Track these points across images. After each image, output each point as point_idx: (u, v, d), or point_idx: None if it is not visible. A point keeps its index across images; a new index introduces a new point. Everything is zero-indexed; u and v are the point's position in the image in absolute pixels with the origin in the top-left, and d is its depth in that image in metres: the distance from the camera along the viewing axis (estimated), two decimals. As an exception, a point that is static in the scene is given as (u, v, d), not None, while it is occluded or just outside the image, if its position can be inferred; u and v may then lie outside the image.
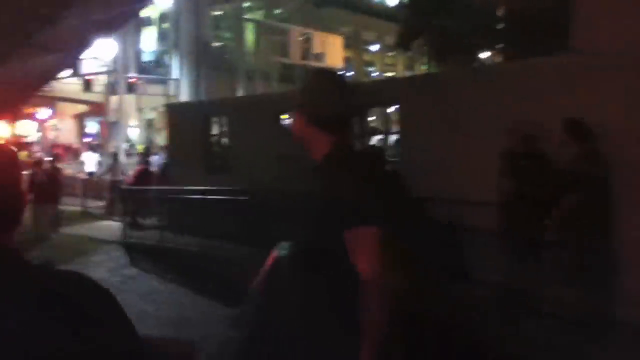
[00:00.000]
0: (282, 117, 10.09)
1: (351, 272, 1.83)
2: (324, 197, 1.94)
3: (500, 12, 13.24)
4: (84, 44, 3.93)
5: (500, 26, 13.23)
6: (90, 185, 15.90)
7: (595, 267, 5.12)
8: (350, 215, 1.85)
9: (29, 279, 1.05)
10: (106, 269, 9.09)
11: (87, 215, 14.25)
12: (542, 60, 6.80)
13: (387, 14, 34.06)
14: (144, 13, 24.56)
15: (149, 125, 26.66)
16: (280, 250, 3.24)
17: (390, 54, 36.67)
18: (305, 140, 2.11)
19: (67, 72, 20.72)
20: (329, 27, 30.38)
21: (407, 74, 34.62)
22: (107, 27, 3.73)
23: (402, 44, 15.96)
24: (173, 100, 25.36)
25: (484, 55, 16.88)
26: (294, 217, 2.34)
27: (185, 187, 10.38)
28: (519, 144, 5.75)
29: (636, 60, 5.34)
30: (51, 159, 12.62)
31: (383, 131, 10.27)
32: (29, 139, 26.99)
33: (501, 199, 5.79)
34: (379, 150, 7.69)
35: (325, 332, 1.93)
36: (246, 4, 26.28)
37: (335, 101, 2.07)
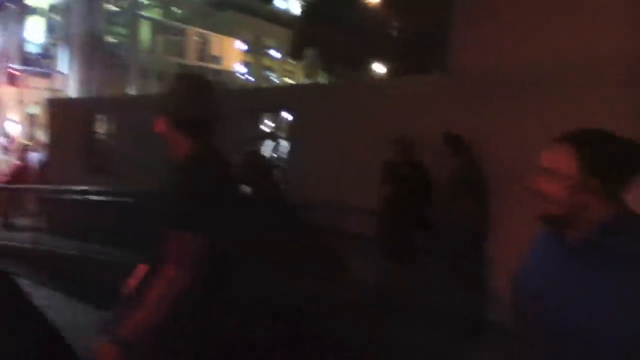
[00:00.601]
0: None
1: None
2: (165, 197, 2.02)
3: (387, 30, 13.88)
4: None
5: (386, 42, 13.87)
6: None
7: (475, 271, 5.39)
8: (174, 218, 1.93)
9: None
10: (-30, 273, 8.42)
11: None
12: (419, 78, 7.24)
13: (288, 21, 34.43)
14: (30, 1, 23.10)
15: (31, 120, 24.98)
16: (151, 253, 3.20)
17: (291, 61, 37.07)
18: (169, 142, 2.15)
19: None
20: (228, 31, 30.17)
21: (307, 81, 35.21)
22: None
23: (294, 52, 16.28)
24: (61, 95, 23.99)
25: (378, 67, 17.61)
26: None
27: (64, 187, 9.88)
28: (398, 154, 6.07)
29: (498, 81, 5.83)
30: None
31: (275, 137, 10.38)
32: None
33: (381, 206, 6.08)
34: (259, 157, 7.77)
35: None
36: (142, 1, 25.48)
37: (196, 105, 2.09)
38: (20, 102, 23.77)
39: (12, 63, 23.59)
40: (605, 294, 1.41)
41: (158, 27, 24.83)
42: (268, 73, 38.67)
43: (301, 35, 14.69)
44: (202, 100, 2.12)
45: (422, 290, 5.68)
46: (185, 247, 1.90)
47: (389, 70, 14.34)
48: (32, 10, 25.59)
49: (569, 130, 1.54)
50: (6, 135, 20.67)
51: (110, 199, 8.95)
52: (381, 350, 4.78)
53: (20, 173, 12.05)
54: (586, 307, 1.43)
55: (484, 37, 6.10)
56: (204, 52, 25.88)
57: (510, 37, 5.86)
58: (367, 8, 13.66)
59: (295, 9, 41.88)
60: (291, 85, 21.56)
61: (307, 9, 15.49)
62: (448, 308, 5.39)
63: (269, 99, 9.15)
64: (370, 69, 16.24)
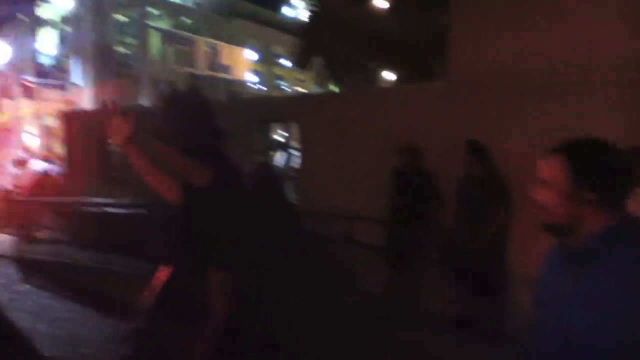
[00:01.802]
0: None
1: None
2: (199, 229, 1.97)
3: (392, 38, 14.02)
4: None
5: (391, 51, 14.00)
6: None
7: (495, 281, 5.40)
8: (213, 255, 1.89)
9: None
10: (-6, 285, 8.69)
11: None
12: (422, 85, 7.42)
13: (297, 29, 34.63)
14: (42, 13, 23.48)
15: (47, 132, 25.38)
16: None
17: (299, 68, 37.29)
18: (183, 170, 2.07)
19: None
20: (238, 40, 30.44)
21: (317, 90, 35.42)
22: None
23: (300, 61, 16.42)
24: (74, 106, 24.36)
25: (386, 75, 17.74)
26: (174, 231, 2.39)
27: (82, 200, 10.12)
28: (405, 162, 6.21)
29: (496, 87, 6.00)
30: None
31: (287, 146, 10.56)
32: None
33: (388, 214, 6.23)
34: (269, 169, 7.91)
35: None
36: (152, 11, 25.84)
37: (204, 129, 1.98)
38: (36, 114, 24.19)
39: (26, 75, 23.99)
40: (599, 303, 1.42)
41: (168, 37, 25.17)
42: (279, 82, 38.91)
43: (307, 43, 14.87)
44: (211, 123, 2.01)
45: (430, 299, 5.82)
46: (228, 284, 1.88)
47: (397, 79, 14.51)
48: (44, 23, 25.98)
49: (563, 140, 1.57)
50: (23, 148, 21.01)
51: (126, 210, 9.17)
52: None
53: (38, 185, 12.28)
54: (582, 316, 1.45)
55: (481, 44, 6.27)
56: (213, 61, 26.14)
57: (507, 44, 6.03)
58: (372, 16, 13.85)
59: (304, 17, 42.20)
60: (300, 94, 21.66)
61: (313, 17, 15.67)
62: (458, 316, 5.53)
63: (278, 108, 9.35)
64: (377, 77, 16.40)
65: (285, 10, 44.05)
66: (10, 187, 13.77)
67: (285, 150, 10.39)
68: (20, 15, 21.79)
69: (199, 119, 1.98)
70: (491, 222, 5.26)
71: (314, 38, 14.31)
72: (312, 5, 22.41)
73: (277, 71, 38.88)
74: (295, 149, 9.82)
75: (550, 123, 5.47)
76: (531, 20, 5.88)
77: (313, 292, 5.96)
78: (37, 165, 14.37)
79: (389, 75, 16.47)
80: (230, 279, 1.88)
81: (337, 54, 13.52)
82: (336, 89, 17.10)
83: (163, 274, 2.41)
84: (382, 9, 14.63)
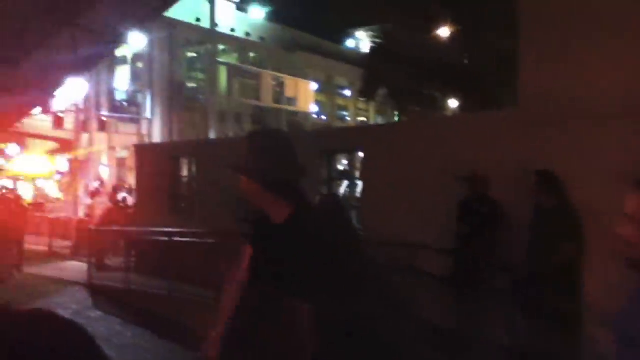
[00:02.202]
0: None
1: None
2: (285, 263, 1.98)
3: (457, 67, 13.91)
4: (52, 85, 4.09)
5: (456, 79, 13.88)
6: (57, 225, 15.79)
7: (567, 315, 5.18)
8: (299, 290, 1.89)
9: None
10: (69, 311, 9.03)
11: (52, 255, 14.11)
12: (490, 113, 7.25)
13: (358, 60, 35.05)
14: (117, 52, 24.81)
15: (121, 164, 26.61)
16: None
17: (363, 98, 37.63)
18: (263, 204, 2.10)
19: (36, 110, 20.74)
20: (301, 72, 31.08)
21: (379, 119, 35.53)
22: (76, 69, 3.90)
23: (365, 93, 16.52)
24: (145, 140, 25.48)
25: (449, 104, 17.59)
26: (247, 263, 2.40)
27: (152, 229, 10.44)
28: (471, 191, 6.08)
29: (568, 114, 5.78)
30: (18, 196, 12.58)
31: (351, 176, 10.53)
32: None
33: (454, 243, 6.09)
34: (336, 200, 7.91)
35: None
36: (220, 47, 26.82)
37: (285, 167, 2.05)
38: (110, 147, 25.42)
39: (102, 110, 25.34)
40: None
41: (234, 71, 25.98)
42: (341, 112, 39.34)
43: (371, 75, 14.98)
44: (293, 159, 2.08)
45: (496, 330, 5.60)
46: (313, 318, 1.88)
47: (460, 107, 14.33)
48: (120, 60, 27.46)
49: None
50: (98, 179, 22.07)
51: (193, 239, 9.39)
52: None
53: (111, 215, 12.81)
54: None
55: (551, 70, 6.09)
56: (278, 93, 26.75)
57: (578, 69, 5.83)
58: (436, 46, 13.82)
59: (365, 47, 42.66)
60: (364, 125, 21.78)
61: (377, 49, 15.81)
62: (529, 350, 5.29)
63: (342, 139, 9.40)
64: (442, 106, 16.27)
65: (348, 42, 44.73)
66: (84, 216, 14.45)
67: (348, 180, 10.39)
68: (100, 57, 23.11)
69: (283, 157, 2.07)
70: (562, 255, 5.03)
71: (378, 69, 14.41)
72: (375, 37, 22.68)
73: (339, 101, 39.33)
74: (358, 178, 9.79)
75: (625, 151, 5.22)
76: (602, 45, 5.68)
77: (379, 322, 5.85)
78: (110, 196, 15.03)
79: (452, 103, 16.33)
80: (316, 312, 1.89)
81: (401, 83, 13.54)
82: (398, 118, 17.08)
83: (230, 303, 2.43)
84: (445, 37, 14.59)
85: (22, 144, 29.74)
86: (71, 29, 3.52)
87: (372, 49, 17.92)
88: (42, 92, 4.27)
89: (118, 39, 4.19)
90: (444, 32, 14.55)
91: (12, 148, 26.29)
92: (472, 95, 11.49)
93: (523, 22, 6.53)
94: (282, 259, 1.98)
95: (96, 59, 5.14)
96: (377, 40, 16.90)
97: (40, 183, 20.64)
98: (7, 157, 30.62)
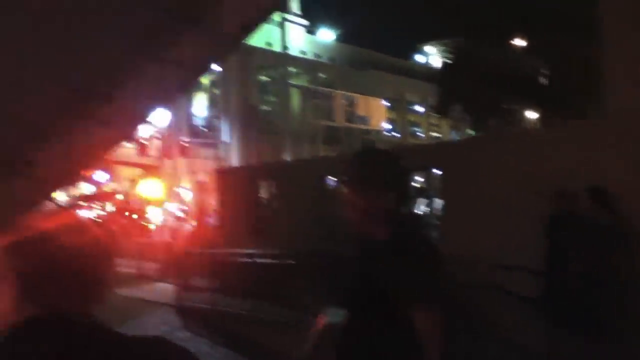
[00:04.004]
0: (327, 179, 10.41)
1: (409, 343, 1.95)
2: (392, 278, 2.01)
3: (536, 78, 13.48)
4: (141, 116, 4.34)
5: (535, 91, 13.42)
6: (146, 247, 16.52)
7: None
8: (418, 300, 1.95)
9: (115, 352, 1.15)
10: (160, 332, 9.39)
11: (142, 277, 14.73)
12: (574, 124, 6.97)
13: (430, 75, 34.75)
14: (196, 81, 25.81)
15: (201, 187, 27.56)
16: (330, 315, 3.37)
17: (435, 115, 37.14)
18: (365, 222, 2.13)
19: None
20: (372, 90, 31.17)
21: (453, 134, 34.94)
22: (163, 100, 4.14)
23: (440, 110, 16.24)
24: (223, 163, 26.31)
25: (527, 117, 17.01)
26: (341, 281, 2.45)
27: (234, 250, 10.71)
28: (559, 207, 5.85)
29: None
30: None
31: (428, 193, 10.41)
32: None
33: (545, 263, 5.85)
34: (418, 217, 7.86)
35: None
36: (291, 70, 27.41)
37: (399, 187, 2.14)
38: (191, 171, 26.43)
39: (183, 136, 26.43)
40: None
41: (306, 93, 26.43)
42: (413, 128, 39.00)
43: (447, 91, 14.76)
44: (403, 178, 2.22)
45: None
46: (439, 322, 1.95)
47: (539, 119, 13.86)
48: (197, 87, 28.60)
49: None
50: (181, 203, 22.94)
51: (275, 260, 9.56)
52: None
53: (194, 237, 13.27)
54: None
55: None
56: (350, 113, 26.95)
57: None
58: (512, 57, 13.48)
59: (436, 62, 42.23)
60: (441, 141, 21.48)
61: (451, 64, 15.59)
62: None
63: (420, 156, 9.31)
64: (520, 119, 15.78)
65: (418, 58, 44.49)
66: (170, 239, 15.06)
67: (426, 197, 10.26)
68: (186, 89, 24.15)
69: (394, 175, 2.14)
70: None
71: (452, 85, 14.21)
72: (446, 51, 22.43)
73: (411, 117, 39.01)
74: (436, 196, 9.66)
75: None
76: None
77: (461, 342, 5.70)
78: (194, 219, 15.59)
79: (530, 117, 15.83)
80: (440, 316, 1.95)
81: (477, 98, 13.26)
82: (473, 133, 16.72)
83: (321, 323, 2.45)
84: (521, 47, 14.22)
85: (109, 171, 31.52)
86: (159, 63, 3.73)
87: (445, 64, 17.69)
88: (133, 123, 4.54)
89: (204, 71, 4.41)
90: (520, 42, 14.19)
91: (99, 174, 27.90)
92: (552, 107, 11.08)
93: (606, 25, 6.27)
94: (393, 274, 2.01)
95: (182, 90, 5.40)
96: (450, 55, 16.66)
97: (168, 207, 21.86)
98: (96, 184, 32.49)
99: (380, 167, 2.13)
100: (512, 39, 13.98)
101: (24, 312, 1.15)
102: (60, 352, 1.11)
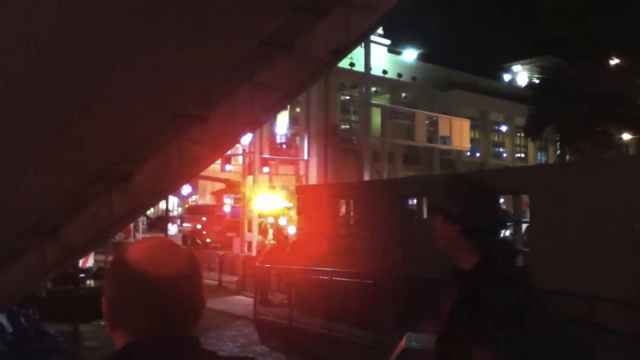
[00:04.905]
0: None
1: None
2: (472, 309, 1.98)
3: (634, 100, 12.71)
4: (233, 138, 4.51)
5: (633, 114, 12.63)
6: (226, 261, 16.97)
7: None
8: (484, 336, 1.89)
9: None
10: (238, 344, 9.59)
11: (222, 289, 15.15)
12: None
13: (515, 94, 33.76)
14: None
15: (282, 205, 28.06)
16: (407, 340, 3.32)
17: (520, 134, 35.99)
18: (453, 248, 2.13)
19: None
20: (454, 109, 30.67)
21: (539, 155, 33.64)
22: (254, 122, 4.28)
23: (532, 132, 15.57)
24: (302, 180, 26.67)
25: (626, 138, 16.04)
26: (423, 306, 2.42)
27: (312, 267, 10.77)
28: None
29: None
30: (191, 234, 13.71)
31: (514, 219, 10.05)
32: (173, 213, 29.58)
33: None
34: (507, 245, 7.57)
35: None
36: (372, 89, 27.50)
37: (489, 214, 2.12)
38: (271, 187, 27.00)
39: (265, 153, 27.08)
40: None
41: (387, 112, 26.36)
42: (496, 149, 37.97)
43: (539, 113, 14.14)
44: (494, 208, 2.19)
45: None
46: None
47: (637, 144, 13.03)
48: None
49: None
50: (262, 218, 23.42)
51: (352, 279, 9.53)
52: None
53: (276, 253, 13.48)
54: None
55: None
56: (432, 133, 26.60)
57: None
58: (608, 76, 12.80)
59: (522, 81, 40.95)
60: (530, 166, 20.60)
61: (543, 84, 14.97)
62: None
63: (506, 180, 9.02)
64: (617, 142, 14.91)
65: (504, 76, 43.39)
66: (251, 253, 15.39)
67: (513, 222, 9.91)
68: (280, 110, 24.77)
69: (487, 207, 2.13)
70: None
71: (544, 105, 13.62)
72: (535, 70, 21.66)
73: (494, 137, 37.99)
74: (524, 221, 9.30)
75: None
76: None
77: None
78: (275, 234, 15.88)
79: (627, 139, 14.93)
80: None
81: (571, 120, 12.63)
82: (567, 157, 15.92)
83: (400, 348, 2.40)
84: (618, 66, 13.49)
85: (193, 185, 32.76)
86: (250, 86, 3.86)
87: (536, 83, 16.99)
88: (224, 143, 4.70)
89: (294, 95, 4.51)
90: (616, 60, 13.47)
91: (185, 188, 29.07)
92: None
93: None
94: (470, 305, 1.98)
95: (272, 113, 5.52)
96: (541, 75, 16.03)
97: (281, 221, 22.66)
98: (181, 197, 33.78)
99: (466, 198, 2.12)
100: (607, 57, 13.28)
101: (119, 339, 1.15)
102: None
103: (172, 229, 24.25)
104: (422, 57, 37.30)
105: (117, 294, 1.16)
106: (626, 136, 15.53)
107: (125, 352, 1.13)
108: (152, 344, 1.13)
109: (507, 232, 11.58)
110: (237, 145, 24.71)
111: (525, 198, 8.95)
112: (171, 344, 1.13)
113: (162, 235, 19.25)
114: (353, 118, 33.05)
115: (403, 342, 3.27)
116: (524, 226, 9.17)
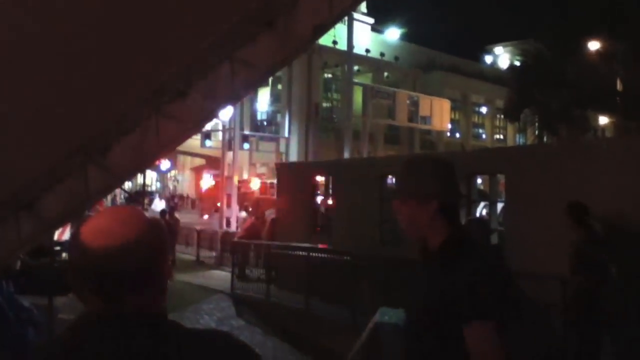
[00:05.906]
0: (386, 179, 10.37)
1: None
2: (443, 288, 1.93)
3: (612, 84, 12.87)
4: (211, 112, 4.45)
5: (611, 98, 12.80)
6: (204, 236, 16.96)
7: None
8: (468, 309, 1.82)
9: (174, 348, 1.08)
10: (215, 318, 9.66)
11: (199, 264, 15.19)
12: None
13: (496, 77, 33.96)
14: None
15: (261, 181, 28.02)
16: (381, 315, 3.37)
17: (500, 116, 36.32)
18: (418, 228, 2.08)
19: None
20: (436, 91, 30.75)
21: (518, 137, 33.98)
22: (232, 98, 4.24)
23: (511, 114, 15.72)
24: (283, 158, 26.64)
25: (602, 122, 16.30)
26: (399, 285, 2.40)
27: (290, 244, 10.83)
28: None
29: None
30: (170, 208, 13.71)
31: (490, 198, 10.20)
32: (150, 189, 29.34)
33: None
34: (483, 223, 7.68)
35: None
36: (355, 67, 27.43)
37: (452, 190, 2.09)
38: (251, 164, 26.93)
39: (245, 130, 26.93)
40: None
41: (369, 92, 26.32)
42: (476, 130, 38.27)
43: (519, 96, 14.26)
44: (456, 183, 2.14)
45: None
46: (492, 337, 1.79)
47: (614, 127, 13.23)
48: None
49: None
50: (243, 195, 23.39)
51: (330, 256, 9.62)
52: None
53: (254, 228, 13.52)
54: None
55: None
56: (413, 113, 26.70)
57: None
58: (586, 60, 12.94)
59: (503, 63, 41.14)
60: (507, 147, 20.75)
61: (524, 68, 15.06)
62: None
63: (483, 160, 9.14)
64: (592, 127, 15.12)
65: (485, 59, 43.55)
66: (231, 228, 15.40)
67: (488, 202, 10.07)
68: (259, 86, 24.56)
69: (448, 181, 2.08)
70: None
71: (524, 88, 13.72)
72: (518, 53, 21.79)
73: (475, 119, 38.27)
74: (499, 201, 9.44)
75: None
76: None
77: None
78: (253, 210, 15.89)
79: (604, 123, 15.18)
80: (498, 335, 1.80)
81: (551, 104, 12.76)
82: (545, 138, 16.11)
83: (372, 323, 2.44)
84: (597, 51, 13.63)
85: (173, 160, 32.48)
86: (230, 62, 3.84)
87: (519, 67, 17.06)
88: (202, 119, 4.67)
89: (274, 71, 4.48)
90: (595, 45, 13.60)
91: (164, 163, 28.83)
92: (628, 115, 10.54)
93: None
94: (446, 286, 1.92)
95: (250, 89, 5.49)
96: (523, 59, 16.10)
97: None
98: (160, 172, 33.54)
99: (423, 176, 2.07)
100: (587, 41, 13.40)
101: (89, 305, 1.11)
102: (130, 345, 1.07)
103: (160, 204, 24.07)
104: (405, 37, 37.26)
105: (69, 265, 1.13)
106: (603, 120, 15.78)
107: (70, 328, 1.10)
108: (89, 321, 1.09)
109: (484, 211, 11.80)
110: (217, 120, 24.52)
111: (502, 178, 9.07)
112: (104, 323, 1.07)
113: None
114: (335, 97, 32.95)
115: (377, 317, 3.33)
116: (500, 206, 9.33)
